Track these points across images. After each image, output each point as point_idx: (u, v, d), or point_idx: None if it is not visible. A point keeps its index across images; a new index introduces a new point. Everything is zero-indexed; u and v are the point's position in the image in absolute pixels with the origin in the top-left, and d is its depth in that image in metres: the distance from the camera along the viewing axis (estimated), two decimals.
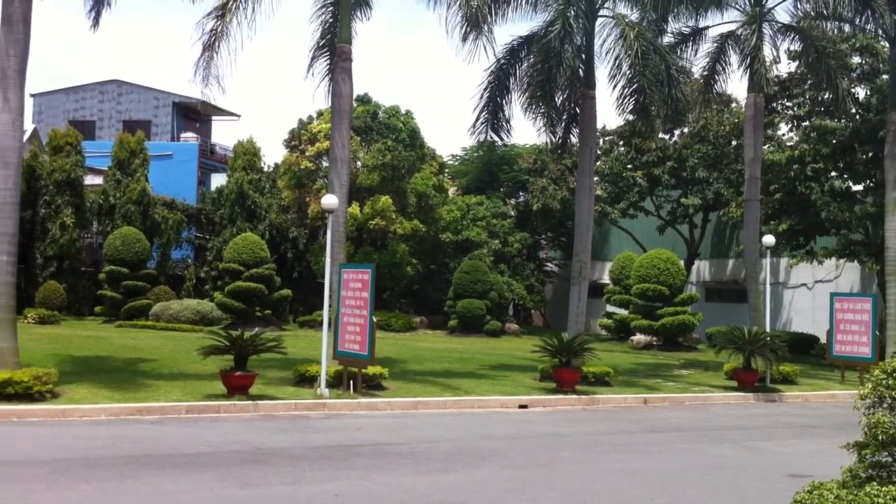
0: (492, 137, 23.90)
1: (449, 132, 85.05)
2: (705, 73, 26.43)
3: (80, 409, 13.75)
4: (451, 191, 44.73)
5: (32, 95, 52.82)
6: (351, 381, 16.73)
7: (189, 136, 51.20)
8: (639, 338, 34.35)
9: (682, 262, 36.19)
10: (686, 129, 39.86)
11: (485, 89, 22.98)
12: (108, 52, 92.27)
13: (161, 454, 11.04)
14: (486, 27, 19.90)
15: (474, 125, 23.25)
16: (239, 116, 58.90)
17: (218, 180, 45.77)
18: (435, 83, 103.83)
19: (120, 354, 20.75)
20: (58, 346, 21.17)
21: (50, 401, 14.00)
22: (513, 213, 44.76)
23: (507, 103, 23.14)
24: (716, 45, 25.92)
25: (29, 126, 38.42)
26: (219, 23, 19.05)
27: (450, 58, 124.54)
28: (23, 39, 15.33)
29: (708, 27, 25.97)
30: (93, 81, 55.96)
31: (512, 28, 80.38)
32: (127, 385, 15.88)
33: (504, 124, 23.36)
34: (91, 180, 37.72)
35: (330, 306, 17.43)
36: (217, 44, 19.07)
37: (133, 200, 36.15)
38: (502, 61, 22.85)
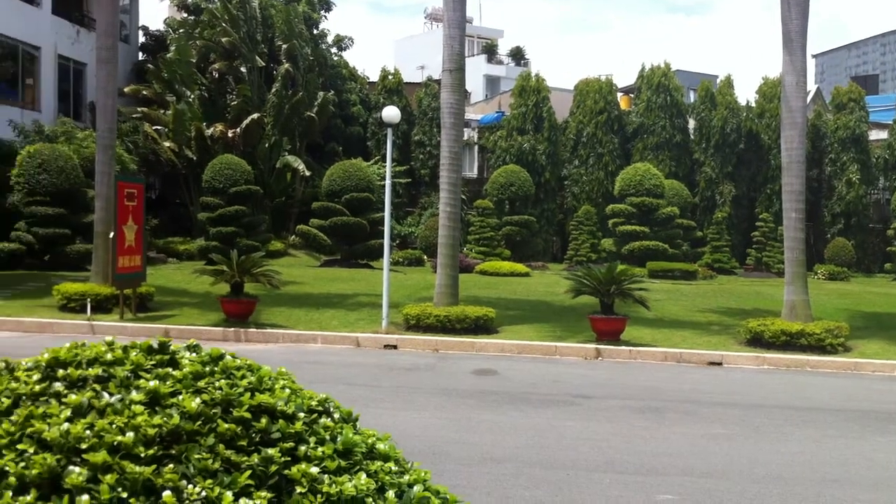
0: None
1: None
2: None
3: (871, 364, 13.72)
4: None
5: (814, 56, 53.68)
6: None
7: None
8: None
9: None
10: None
11: None
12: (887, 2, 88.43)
13: None
14: None
15: None
16: None
17: None
18: None
19: None
20: (847, 302, 21.30)
21: (841, 354, 14.27)
22: None
23: None
24: None
25: (812, 86, 39.20)
26: None
27: None
28: (803, 2, 15.80)
29: None
30: (873, 35, 54.44)
31: None
32: None
33: None
34: (875, 135, 36.83)
35: None
36: None
37: None
38: None
